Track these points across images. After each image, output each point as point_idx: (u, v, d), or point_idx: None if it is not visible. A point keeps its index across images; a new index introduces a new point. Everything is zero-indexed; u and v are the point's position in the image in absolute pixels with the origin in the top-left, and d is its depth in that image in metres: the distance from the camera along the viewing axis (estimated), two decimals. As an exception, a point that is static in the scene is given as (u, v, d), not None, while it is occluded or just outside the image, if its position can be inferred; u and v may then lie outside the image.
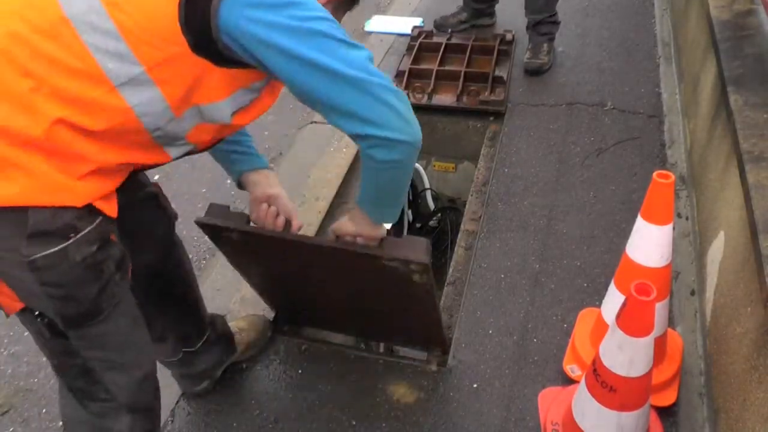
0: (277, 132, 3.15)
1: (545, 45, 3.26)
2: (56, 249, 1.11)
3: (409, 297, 1.65)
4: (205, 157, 3.15)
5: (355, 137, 1.22)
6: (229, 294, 2.30)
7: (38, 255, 1.09)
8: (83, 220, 1.14)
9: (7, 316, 1.21)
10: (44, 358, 2.18)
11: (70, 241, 1.12)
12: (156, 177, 2.94)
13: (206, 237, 2.60)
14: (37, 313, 1.20)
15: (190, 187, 2.88)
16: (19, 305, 1.19)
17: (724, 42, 2.21)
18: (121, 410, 1.35)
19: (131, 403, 1.36)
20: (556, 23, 3.27)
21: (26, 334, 2.27)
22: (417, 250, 1.47)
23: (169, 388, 2.00)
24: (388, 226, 1.52)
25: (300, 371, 2.02)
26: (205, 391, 1.93)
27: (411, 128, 1.21)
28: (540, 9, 3.19)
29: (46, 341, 1.27)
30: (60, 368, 1.34)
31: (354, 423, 1.87)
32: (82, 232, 1.13)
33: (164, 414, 1.94)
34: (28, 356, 2.22)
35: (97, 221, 1.17)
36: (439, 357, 2.02)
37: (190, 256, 2.55)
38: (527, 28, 3.31)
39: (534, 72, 3.23)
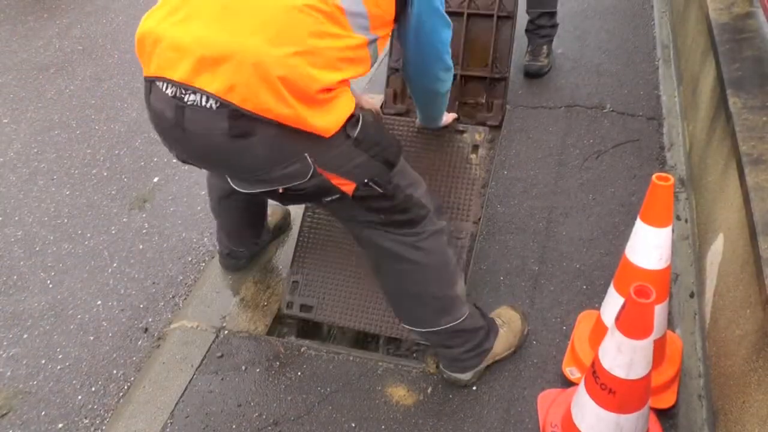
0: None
1: (545, 47, 3.24)
2: (360, 123, 1.48)
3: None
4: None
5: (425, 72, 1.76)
6: (228, 296, 2.30)
7: (356, 132, 1.47)
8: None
9: (350, 196, 1.53)
10: (44, 361, 2.19)
11: (359, 112, 1.49)
12: (156, 179, 2.95)
13: (205, 239, 2.62)
14: (366, 181, 1.52)
15: (190, 190, 2.89)
16: (353, 186, 1.51)
17: (723, 44, 2.22)
18: (433, 215, 1.71)
19: (434, 207, 1.74)
20: (555, 26, 3.26)
21: (25, 336, 2.28)
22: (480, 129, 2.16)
23: (169, 389, 2.01)
24: None
25: (299, 373, 2.02)
26: (243, 266, 2.39)
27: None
28: (541, 2, 3.16)
29: (379, 197, 1.57)
30: (391, 216, 1.64)
31: (353, 425, 1.87)
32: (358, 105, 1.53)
33: (163, 415, 1.94)
34: (27, 358, 2.22)
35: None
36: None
37: (189, 258, 2.56)
38: (526, 30, 3.30)
39: (534, 74, 3.21)
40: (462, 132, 2.23)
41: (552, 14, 3.21)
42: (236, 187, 1.50)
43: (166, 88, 1.37)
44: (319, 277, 2.20)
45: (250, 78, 1.29)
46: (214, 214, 2.24)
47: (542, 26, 3.21)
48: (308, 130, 1.37)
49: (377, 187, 1.55)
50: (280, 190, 1.46)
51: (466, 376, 1.91)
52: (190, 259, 2.56)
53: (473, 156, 2.20)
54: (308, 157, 1.41)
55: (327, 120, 1.40)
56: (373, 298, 2.12)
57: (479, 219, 2.50)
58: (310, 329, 2.24)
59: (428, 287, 1.74)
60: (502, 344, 1.95)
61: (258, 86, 1.30)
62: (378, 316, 2.10)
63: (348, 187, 1.51)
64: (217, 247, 2.40)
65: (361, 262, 2.16)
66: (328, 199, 1.55)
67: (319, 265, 2.21)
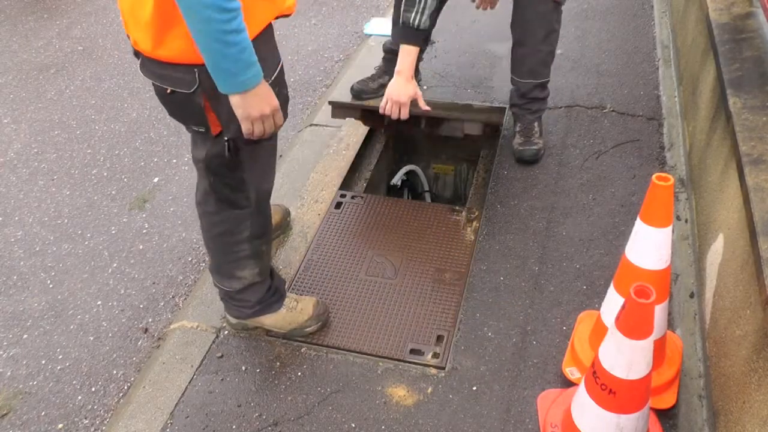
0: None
1: (536, 124, 2.76)
2: None
3: None
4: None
5: None
6: (228, 296, 2.30)
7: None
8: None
9: (212, 135, 1.65)
10: (44, 361, 2.19)
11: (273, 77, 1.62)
12: (156, 179, 2.95)
13: (206, 239, 2.62)
14: (226, 138, 1.62)
15: (190, 190, 2.88)
16: (218, 129, 1.62)
17: (723, 45, 2.22)
18: (250, 214, 1.85)
19: (257, 209, 1.86)
20: (546, 97, 2.79)
21: (25, 336, 2.28)
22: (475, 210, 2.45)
23: (168, 390, 2.01)
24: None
25: (299, 373, 2.02)
26: None
27: None
28: (530, 72, 2.66)
29: (223, 160, 1.68)
30: (218, 183, 1.78)
31: (353, 425, 1.87)
32: (277, 71, 1.63)
33: (163, 416, 1.94)
34: (27, 358, 2.22)
35: (280, 64, 1.68)
36: (438, 359, 2.02)
37: (189, 258, 2.56)
38: (512, 105, 2.80)
39: (529, 161, 2.72)
40: (459, 211, 2.56)
41: (544, 84, 2.73)
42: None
43: None
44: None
45: None
46: None
47: (534, 99, 2.72)
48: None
49: (227, 151, 1.65)
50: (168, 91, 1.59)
51: (231, 319, 2.13)
52: (190, 259, 2.56)
53: (468, 228, 2.49)
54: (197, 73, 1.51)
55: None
56: (372, 323, 2.15)
57: (479, 218, 2.50)
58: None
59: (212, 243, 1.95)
60: (272, 320, 2.09)
61: None
62: (375, 338, 2.11)
63: (215, 127, 1.63)
64: None
65: (361, 291, 2.27)
66: (195, 129, 1.68)
67: (317, 294, 2.26)
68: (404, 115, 2.38)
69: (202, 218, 1.93)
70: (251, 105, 1.52)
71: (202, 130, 1.65)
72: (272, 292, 2.07)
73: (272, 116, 1.58)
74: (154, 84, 1.63)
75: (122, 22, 1.61)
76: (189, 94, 1.55)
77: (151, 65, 1.57)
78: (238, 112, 1.54)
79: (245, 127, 1.57)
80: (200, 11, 1.34)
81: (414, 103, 2.40)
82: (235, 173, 1.75)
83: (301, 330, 2.11)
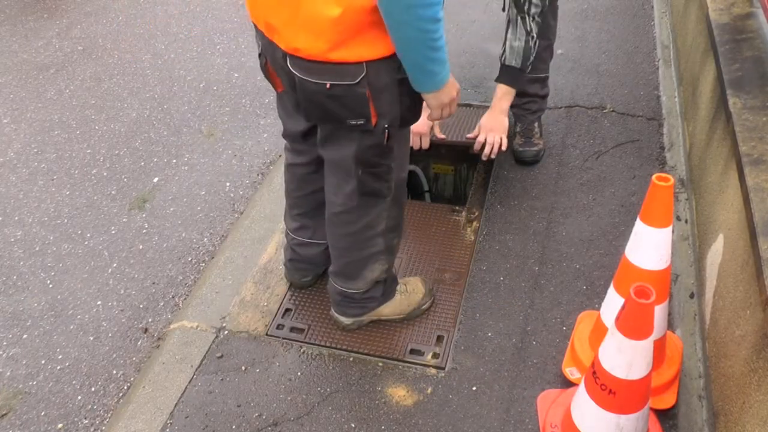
0: (276, 134, 3.15)
1: (536, 125, 2.76)
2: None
3: None
4: (205, 159, 3.16)
5: None
6: (228, 297, 2.30)
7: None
8: None
9: (371, 125, 1.65)
10: (44, 361, 2.19)
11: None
12: (155, 180, 2.95)
13: (205, 239, 2.62)
14: (386, 125, 1.65)
15: (190, 190, 2.89)
16: (376, 119, 1.64)
17: (723, 45, 2.22)
18: (389, 205, 1.88)
19: (396, 196, 1.89)
20: (546, 96, 2.78)
21: (25, 336, 2.28)
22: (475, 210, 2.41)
23: (168, 390, 2.01)
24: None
25: (299, 373, 2.02)
26: (308, 283, 2.30)
27: None
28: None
29: (377, 150, 1.72)
30: (366, 175, 1.78)
31: (353, 425, 1.87)
32: None
33: (163, 416, 1.94)
34: (27, 358, 2.22)
35: None
36: (438, 359, 2.02)
37: (189, 258, 2.57)
38: (512, 106, 2.64)
39: (529, 162, 2.74)
40: (459, 211, 2.57)
41: (544, 80, 2.71)
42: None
43: None
44: (314, 304, 2.25)
45: None
46: (295, 207, 2.16)
47: (533, 97, 2.71)
48: None
49: (386, 139, 1.68)
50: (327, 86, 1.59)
51: (346, 320, 2.11)
52: (190, 259, 2.56)
53: (468, 228, 2.50)
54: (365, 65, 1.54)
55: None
56: (372, 323, 2.14)
57: (479, 218, 2.50)
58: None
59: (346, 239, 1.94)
60: (390, 308, 2.10)
61: None
62: (375, 338, 2.11)
63: (375, 119, 1.64)
64: (283, 258, 2.32)
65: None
66: (353, 123, 1.66)
67: (314, 294, 2.27)
68: (425, 144, 2.51)
69: (340, 217, 1.90)
70: (444, 94, 1.68)
71: (361, 122, 1.64)
72: (392, 280, 2.09)
73: (456, 99, 1.74)
74: (306, 81, 1.60)
75: (267, 31, 1.62)
76: (352, 86, 1.56)
77: (310, 64, 1.56)
78: (432, 103, 1.69)
79: (436, 114, 1.74)
80: (416, 23, 1.45)
81: (431, 131, 2.55)
82: (385, 161, 1.77)
83: (418, 309, 2.14)
